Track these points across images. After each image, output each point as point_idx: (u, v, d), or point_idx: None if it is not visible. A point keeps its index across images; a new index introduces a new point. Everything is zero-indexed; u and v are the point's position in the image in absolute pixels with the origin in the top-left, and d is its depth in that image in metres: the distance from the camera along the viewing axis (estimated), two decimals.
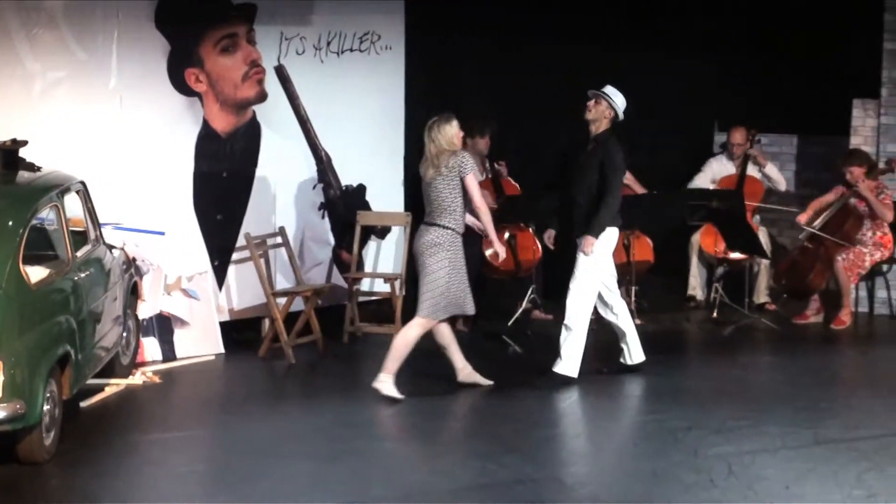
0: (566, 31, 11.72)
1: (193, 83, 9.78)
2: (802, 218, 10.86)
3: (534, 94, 11.71)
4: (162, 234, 9.51)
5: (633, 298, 10.91)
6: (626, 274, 11.03)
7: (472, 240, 10.79)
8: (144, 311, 9.31)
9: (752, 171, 11.53)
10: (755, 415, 8.03)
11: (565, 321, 8.76)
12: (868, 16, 11.23)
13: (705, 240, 11.39)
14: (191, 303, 9.65)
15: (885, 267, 11.15)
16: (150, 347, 9.43)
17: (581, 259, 8.72)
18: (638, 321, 10.68)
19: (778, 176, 11.58)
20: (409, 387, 8.44)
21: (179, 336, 9.58)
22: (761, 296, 11.42)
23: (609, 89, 8.75)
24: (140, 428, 7.94)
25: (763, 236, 11.28)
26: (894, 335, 10.81)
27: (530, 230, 10.87)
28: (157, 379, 8.97)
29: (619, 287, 11.41)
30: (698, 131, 12.34)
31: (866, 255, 10.81)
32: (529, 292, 10.65)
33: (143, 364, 9.25)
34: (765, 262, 11.34)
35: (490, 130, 10.90)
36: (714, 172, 11.69)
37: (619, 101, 8.73)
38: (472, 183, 8.28)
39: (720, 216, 10.70)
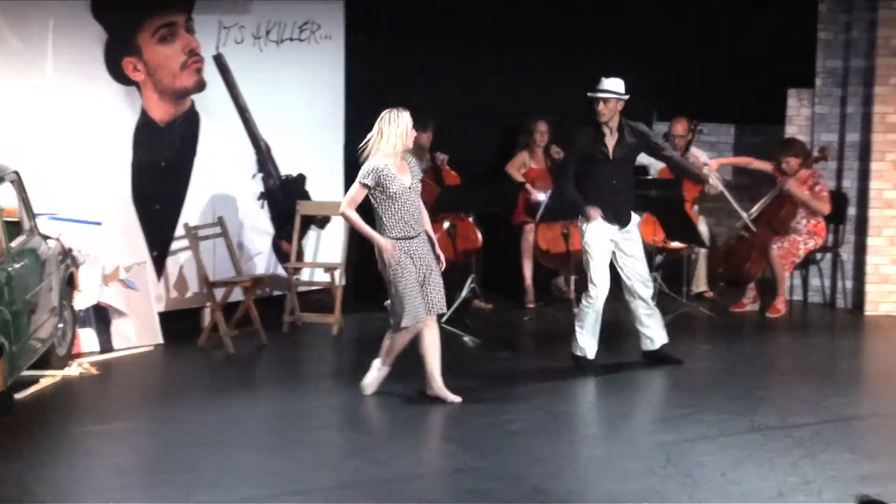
0: (506, 25, 11.77)
1: (131, 72, 9.71)
2: (714, 163, 10.90)
3: (473, 83, 11.74)
4: (99, 224, 9.44)
5: (572, 288, 10.96)
6: (566, 263, 11.08)
7: None
8: (81, 301, 9.24)
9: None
10: (693, 403, 8.10)
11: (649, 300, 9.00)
12: (803, 6, 11.34)
13: (645, 229, 11.41)
14: (129, 293, 9.58)
15: (818, 255, 11.28)
16: (87, 338, 9.36)
17: (640, 239, 8.96)
18: (577, 310, 10.74)
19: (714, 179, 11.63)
20: (353, 378, 8.43)
21: (117, 327, 9.51)
22: (700, 285, 11.51)
23: (610, 84, 8.73)
24: (77, 419, 7.88)
25: (702, 226, 11.37)
26: (828, 323, 10.94)
27: (470, 219, 10.89)
28: (94, 370, 8.91)
29: (559, 276, 11.56)
30: (638, 121, 12.37)
31: (800, 243, 10.92)
32: (469, 281, 10.67)
33: (80, 355, 9.18)
34: (703, 252, 11.43)
35: (433, 125, 10.91)
36: (655, 162, 11.74)
37: (621, 89, 8.74)
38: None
39: (659, 206, 10.75)
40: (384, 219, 7.86)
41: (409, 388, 8.23)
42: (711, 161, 11.01)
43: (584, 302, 8.86)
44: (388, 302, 8.01)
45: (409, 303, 7.83)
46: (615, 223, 8.76)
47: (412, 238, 7.90)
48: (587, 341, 8.85)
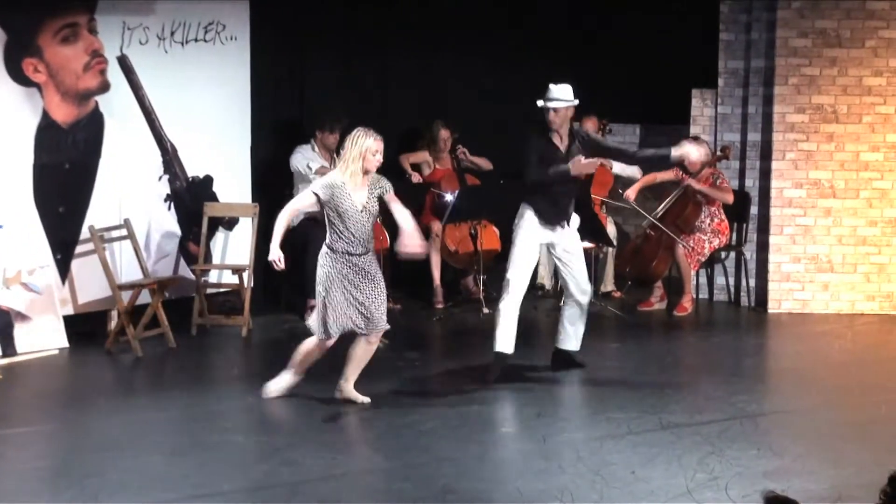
0: (411, 24, 11.78)
1: (32, 73, 9.56)
2: (630, 194, 11.06)
3: (378, 84, 11.74)
4: (0, 226, 9.29)
5: (481, 288, 11.01)
6: (474, 263, 11.13)
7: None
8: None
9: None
10: (602, 401, 8.17)
11: (584, 306, 8.87)
12: (705, 7, 11.50)
13: None
14: (31, 296, 9.45)
15: (723, 254, 11.43)
16: None
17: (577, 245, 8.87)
18: (486, 310, 10.81)
19: (626, 171, 11.74)
20: (262, 380, 8.39)
21: (20, 330, 9.37)
22: (607, 284, 11.61)
23: (559, 92, 8.59)
24: None
25: (610, 226, 11.47)
26: (733, 321, 11.09)
27: (377, 220, 10.86)
28: None
29: (467, 276, 11.59)
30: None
31: (706, 242, 11.07)
32: None
33: None
34: (611, 251, 11.53)
35: (340, 127, 10.88)
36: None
37: (570, 95, 8.61)
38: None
39: None
40: (330, 231, 7.87)
41: (319, 390, 8.21)
42: (628, 192, 11.09)
43: (501, 297, 8.78)
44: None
45: (324, 315, 7.81)
46: (556, 226, 8.69)
47: (354, 255, 7.85)
48: (503, 337, 8.71)
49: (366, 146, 7.76)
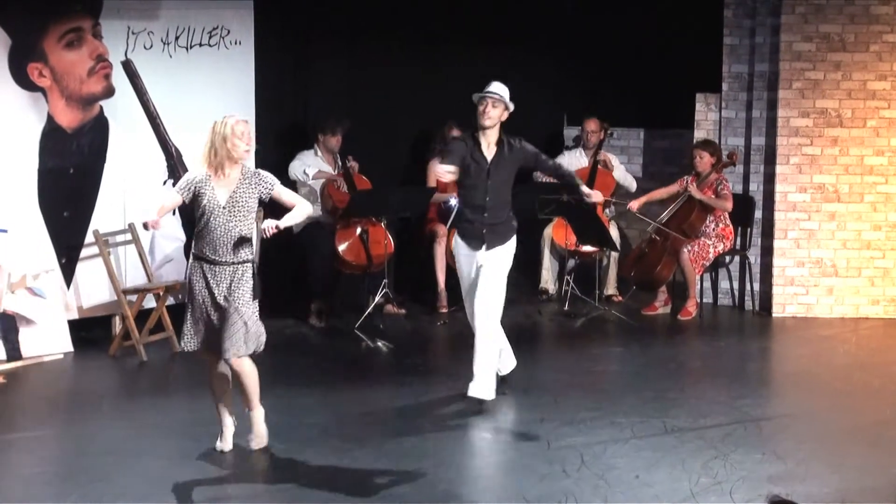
0: (416, 28, 11.79)
1: (37, 78, 9.57)
2: (634, 205, 11.07)
3: (384, 89, 11.75)
4: (5, 231, 9.31)
5: None
6: None
7: (324, 234, 10.80)
8: None
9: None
10: (606, 406, 8.17)
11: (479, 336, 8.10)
12: (708, 11, 11.49)
13: (557, 233, 11.54)
14: (36, 301, 9.46)
15: (727, 258, 11.43)
16: None
17: (500, 267, 8.15)
18: None
19: (625, 179, 11.76)
20: (266, 385, 8.38)
21: (25, 335, 9.38)
22: (610, 287, 11.61)
23: (499, 88, 8.10)
24: None
25: (613, 229, 11.47)
26: (737, 325, 11.08)
27: (382, 224, 10.88)
28: (1, 379, 8.78)
29: None
30: (549, 127, 12.49)
31: (710, 246, 11.06)
32: (381, 287, 10.66)
33: None
34: (614, 255, 11.53)
35: (342, 129, 10.91)
36: (568, 165, 11.83)
37: (508, 96, 8.11)
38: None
39: (571, 210, 10.83)
40: (195, 230, 7.02)
41: (315, 398, 8.21)
42: (632, 204, 11.10)
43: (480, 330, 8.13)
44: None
45: (188, 326, 7.07)
46: (479, 246, 8.05)
47: (211, 263, 6.94)
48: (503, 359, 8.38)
49: (227, 131, 6.89)
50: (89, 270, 9.90)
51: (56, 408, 8.46)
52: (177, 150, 10.43)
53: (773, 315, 11.11)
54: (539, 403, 8.24)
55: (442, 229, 11.23)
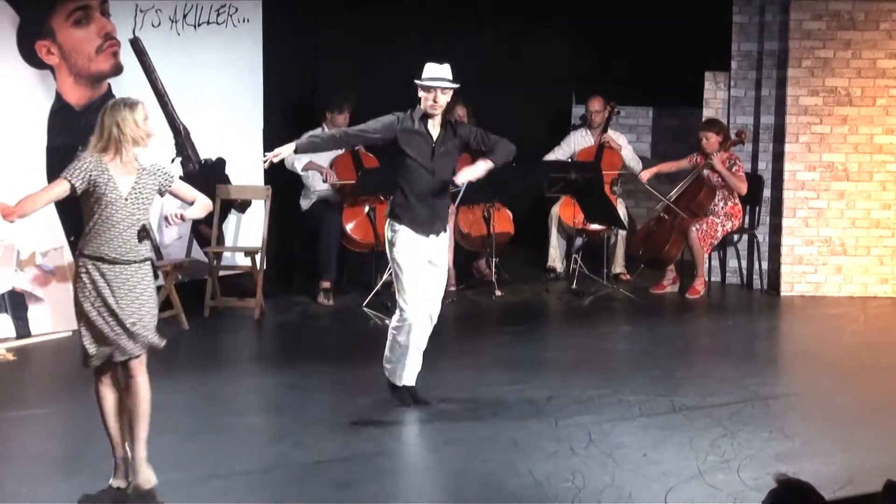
0: (424, 4, 11.76)
1: (45, 55, 9.57)
2: (645, 175, 11.06)
3: (392, 66, 11.70)
4: None
5: (493, 270, 11.01)
6: (487, 246, 11.13)
7: (332, 213, 10.81)
8: None
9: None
10: (614, 384, 8.17)
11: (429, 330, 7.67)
12: None
13: (565, 211, 11.53)
14: (45, 278, 9.48)
15: (735, 237, 11.41)
16: (3, 324, 9.24)
17: (447, 255, 7.79)
18: (499, 293, 10.82)
19: (631, 160, 11.74)
20: (274, 362, 8.41)
21: (34, 312, 9.40)
22: (618, 266, 11.60)
23: (445, 71, 7.48)
24: None
25: (620, 207, 11.45)
26: (745, 304, 11.08)
27: (389, 202, 10.86)
28: (10, 356, 8.80)
29: (480, 259, 11.59)
30: (556, 104, 12.47)
31: (718, 225, 11.04)
32: (389, 265, 10.63)
33: None
34: (622, 233, 11.52)
35: (349, 106, 10.89)
36: (574, 145, 11.84)
37: (451, 76, 7.51)
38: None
39: (578, 188, 10.83)
40: (85, 226, 6.22)
41: (323, 375, 8.23)
42: (643, 174, 11.09)
43: (394, 324, 7.53)
44: None
45: (83, 338, 6.25)
46: (429, 232, 7.48)
47: (111, 263, 6.13)
48: (403, 368, 7.59)
49: (132, 115, 6.12)
50: None
51: (65, 385, 8.47)
52: (185, 128, 10.43)
53: (782, 294, 11.10)
54: (547, 381, 8.25)
55: (450, 207, 11.20)
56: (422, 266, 7.47)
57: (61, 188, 6.18)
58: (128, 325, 6.13)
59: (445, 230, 7.59)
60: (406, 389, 7.62)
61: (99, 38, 9.83)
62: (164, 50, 10.21)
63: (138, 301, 6.16)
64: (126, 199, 6.14)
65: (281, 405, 7.90)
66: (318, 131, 10.96)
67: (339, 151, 10.89)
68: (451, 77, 7.48)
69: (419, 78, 7.47)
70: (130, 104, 6.15)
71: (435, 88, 7.39)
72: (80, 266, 6.18)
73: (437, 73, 7.44)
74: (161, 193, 6.33)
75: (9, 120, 9.39)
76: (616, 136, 11.78)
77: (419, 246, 7.45)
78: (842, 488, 6.16)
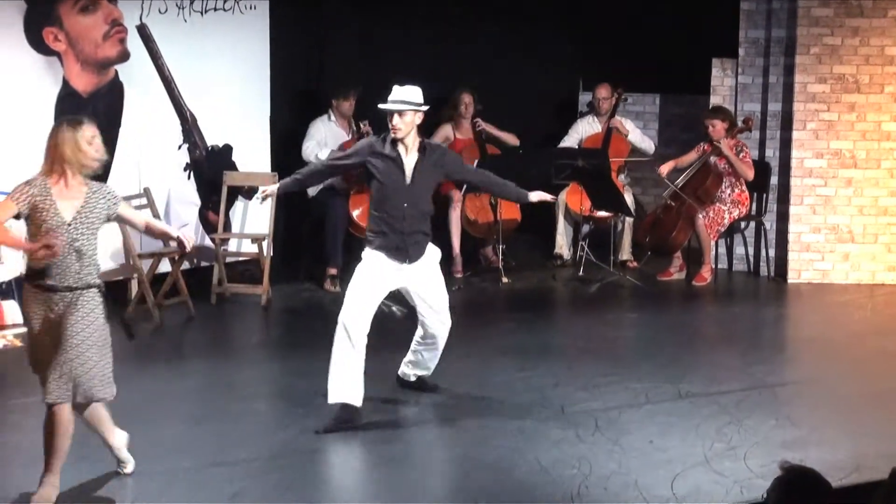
0: None
1: (52, 42, 9.56)
2: (664, 169, 11.05)
3: (398, 54, 11.71)
4: None
5: (500, 257, 11.01)
6: (494, 233, 11.12)
7: (339, 200, 10.80)
8: (4, 273, 9.13)
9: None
10: (620, 371, 8.17)
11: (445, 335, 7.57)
12: None
13: (571, 198, 11.52)
14: None
15: (742, 224, 11.40)
16: (11, 310, 9.24)
17: (438, 270, 7.48)
18: (506, 280, 10.82)
19: (642, 142, 11.73)
20: (281, 349, 8.42)
21: None
22: (624, 253, 11.59)
23: (404, 94, 7.22)
24: (1, 393, 7.79)
25: (628, 195, 11.44)
26: (752, 291, 11.07)
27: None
28: (18, 342, 8.81)
29: (487, 246, 11.59)
30: (564, 91, 12.45)
31: (725, 212, 11.03)
32: None
33: (4, 327, 9.07)
34: (629, 220, 11.51)
35: (355, 93, 10.89)
36: (581, 132, 11.83)
37: (419, 98, 7.23)
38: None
39: (586, 175, 10.82)
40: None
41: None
42: (661, 168, 11.06)
43: (335, 341, 7.18)
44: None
45: (52, 375, 5.89)
46: (403, 259, 7.18)
47: (50, 291, 5.83)
48: (347, 386, 7.07)
49: (77, 136, 5.86)
50: (105, 234, 9.81)
51: None
52: (192, 114, 10.43)
53: (789, 281, 11.09)
54: (553, 368, 8.25)
55: (457, 194, 11.22)
56: (376, 290, 7.15)
57: (9, 210, 5.82)
58: (72, 362, 5.80)
59: (424, 255, 7.25)
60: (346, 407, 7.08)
61: (106, 24, 9.82)
62: (171, 36, 10.21)
63: (78, 337, 5.81)
64: (69, 225, 5.83)
65: (288, 392, 7.91)
66: (323, 120, 10.95)
67: (347, 138, 10.88)
68: (415, 99, 7.15)
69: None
70: (73, 123, 5.86)
71: (391, 114, 7.14)
72: (30, 292, 5.89)
73: (397, 96, 7.17)
74: (108, 219, 6.03)
75: (16, 106, 9.38)
76: (624, 122, 11.76)
77: (387, 272, 7.15)
78: (848, 475, 6.17)
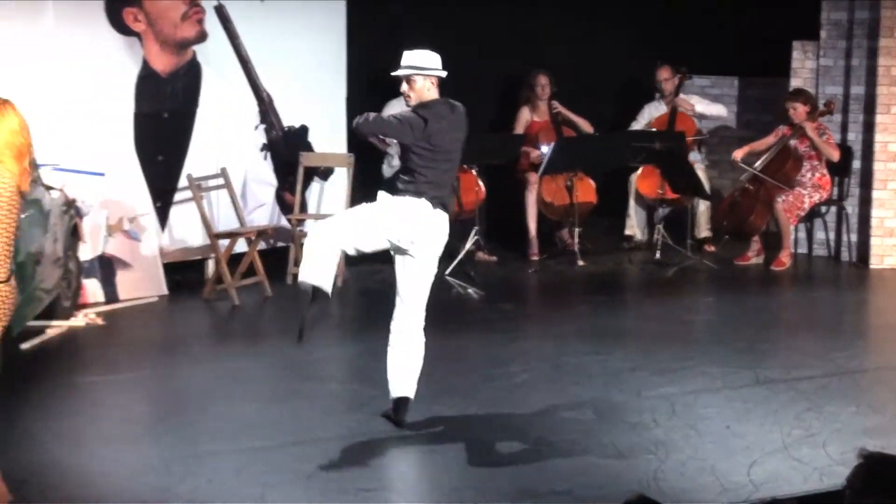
0: None
1: (132, 22, 9.65)
2: (738, 154, 10.93)
3: (474, 34, 11.68)
4: (102, 174, 9.42)
5: (576, 240, 10.96)
6: (570, 215, 11.07)
7: None
8: (86, 252, 9.23)
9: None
10: (697, 355, 8.10)
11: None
12: None
13: (642, 182, 11.45)
14: (133, 244, 9.58)
15: (823, 208, 11.25)
16: (93, 289, 9.36)
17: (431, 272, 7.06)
18: (581, 262, 10.77)
19: (711, 110, 11.61)
20: (356, 330, 8.44)
21: (122, 278, 9.51)
22: (702, 230, 11.49)
23: (409, 58, 6.93)
24: (82, 370, 7.88)
25: (701, 174, 11.31)
26: (832, 276, 10.92)
27: (473, 171, 10.86)
28: (99, 321, 8.91)
29: (563, 228, 11.54)
30: (644, 74, 12.34)
31: (805, 196, 10.89)
32: (472, 234, 10.66)
33: (86, 306, 9.19)
34: (706, 203, 11.41)
35: None
36: (648, 116, 11.74)
37: (429, 62, 6.96)
38: None
39: (662, 158, 10.73)
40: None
41: None
42: (735, 153, 10.94)
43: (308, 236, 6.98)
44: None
45: None
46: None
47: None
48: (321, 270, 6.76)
49: (20, 122, 5.45)
50: (182, 214, 10.00)
51: (152, 349, 8.57)
52: (268, 95, 10.47)
53: (871, 266, 10.93)
54: (629, 352, 8.20)
55: (533, 176, 11.18)
56: (377, 232, 6.89)
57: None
58: None
59: (433, 238, 6.99)
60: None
61: (184, 5, 9.89)
62: (248, 17, 10.25)
63: None
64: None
65: (362, 373, 7.92)
66: (400, 100, 10.93)
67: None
68: (423, 64, 6.87)
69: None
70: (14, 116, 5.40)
71: (400, 80, 6.89)
72: None
73: (405, 61, 6.89)
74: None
75: (98, 86, 9.48)
76: (689, 98, 11.63)
77: (393, 226, 6.90)
78: None
